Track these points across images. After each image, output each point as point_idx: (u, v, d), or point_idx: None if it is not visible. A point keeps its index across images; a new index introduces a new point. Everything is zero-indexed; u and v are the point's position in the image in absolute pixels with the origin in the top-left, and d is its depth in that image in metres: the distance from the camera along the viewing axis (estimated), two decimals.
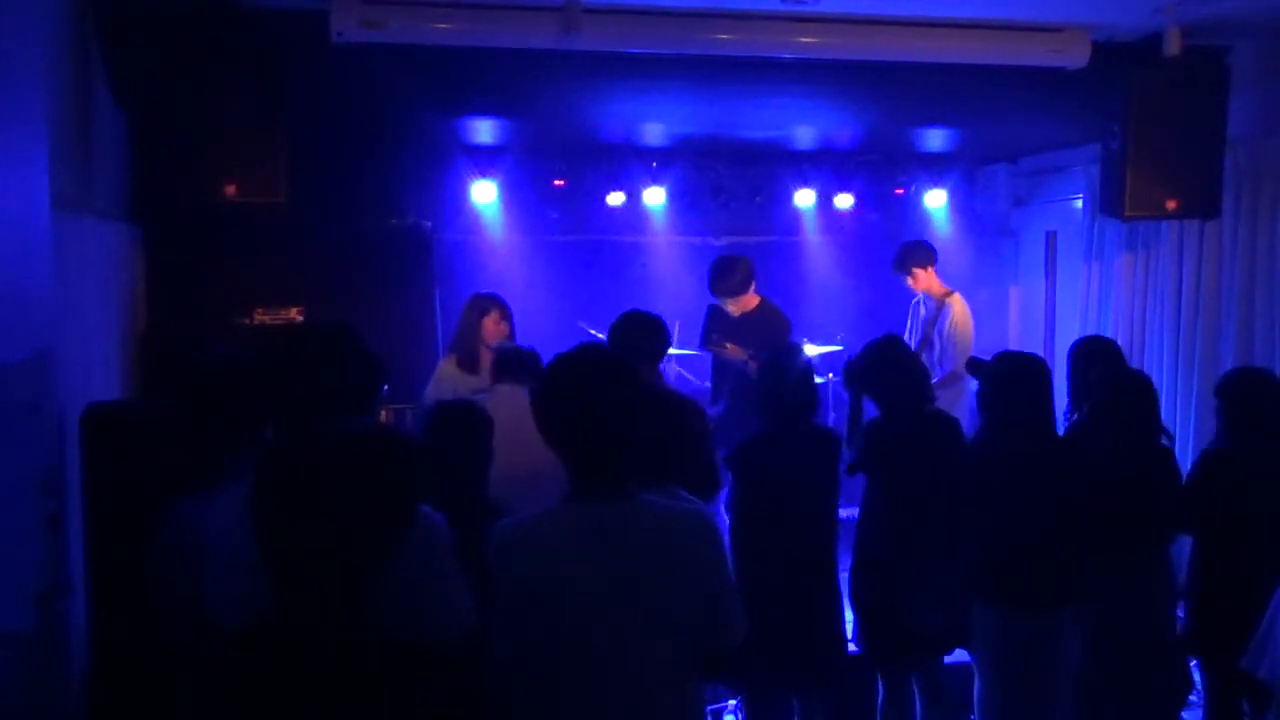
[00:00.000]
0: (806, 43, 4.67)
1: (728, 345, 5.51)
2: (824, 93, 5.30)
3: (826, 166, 6.95)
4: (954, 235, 7.18)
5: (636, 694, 2.17)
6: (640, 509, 2.21)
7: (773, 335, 5.31)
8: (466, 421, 3.09)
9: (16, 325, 2.77)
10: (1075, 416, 4.12)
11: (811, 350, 6.05)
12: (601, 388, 2.20)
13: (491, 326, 4.99)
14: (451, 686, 2.10)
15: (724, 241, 7.21)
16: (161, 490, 2.47)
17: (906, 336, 5.91)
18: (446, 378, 4.94)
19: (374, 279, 5.58)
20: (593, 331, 6.02)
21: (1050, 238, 7.23)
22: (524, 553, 2.19)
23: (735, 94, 5.25)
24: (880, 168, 7.06)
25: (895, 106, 5.54)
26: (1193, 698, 4.12)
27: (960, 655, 3.87)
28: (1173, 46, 4.65)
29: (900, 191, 7.17)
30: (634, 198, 6.80)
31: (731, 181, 7.01)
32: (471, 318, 5.04)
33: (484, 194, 6.49)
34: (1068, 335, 6.25)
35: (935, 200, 7.15)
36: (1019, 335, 7.49)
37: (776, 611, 3.51)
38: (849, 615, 3.88)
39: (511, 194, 6.64)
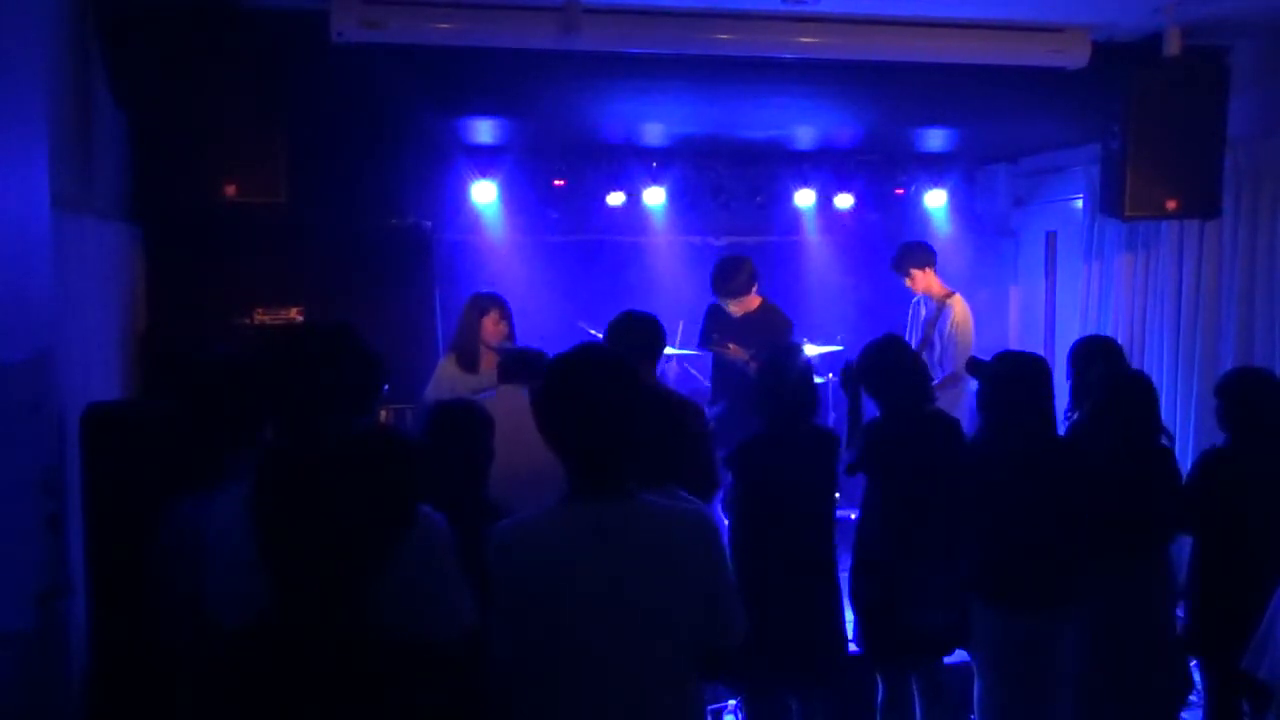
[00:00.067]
0: (806, 43, 4.67)
1: (730, 345, 5.51)
2: (824, 93, 5.30)
3: (826, 166, 6.94)
4: (954, 235, 7.18)
5: (636, 694, 2.17)
6: (640, 509, 2.21)
7: (774, 336, 5.31)
8: (466, 421, 3.09)
9: (16, 325, 2.77)
10: (1076, 416, 4.12)
11: (811, 350, 6.05)
12: (601, 388, 2.20)
13: (491, 326, 5.00)
14: (451, 686, 2.09)
15: (724, 241, 7.22)
16: (161, 490, 2.47)
17: (906, 336, 5.90)
18: (447, 377, 4.94)
19: (374, 279, 5.58)
20: (593, 331, 6.01)
21: (1050, 238, 7.23)
22: (524, 553, 2.19)
23: (735, 94, 5.25)
24: (880, 168, 7.05)
25: (895, 106, 5.54)
26: (1193, 698, 4.12)
27: (960, 655, 3.87)
28: (1173, 46, 4.65)
29: (900, 191, 7.17)
30: (634, 198, 6.80)
31: (731, 181, 7.00)
32: (471, 317, 5.04)
33: (484, 194, 6.49)
34: (1068, 335, 6.25)
35: (935, 200, 7.14)
36: (1019, 335, 7.49)
37: (776, 611, 3.51)
38: (849, 615, 3.88)
39: (511, 194, 6.64)
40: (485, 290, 5.28)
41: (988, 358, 3.89)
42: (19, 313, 2.78)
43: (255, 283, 5.33)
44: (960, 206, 7.27)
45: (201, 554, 2.19)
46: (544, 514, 2.23)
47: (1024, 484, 3.58)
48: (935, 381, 4.99)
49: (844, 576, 3.88)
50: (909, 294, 6.13)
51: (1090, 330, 6.00)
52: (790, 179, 6.98)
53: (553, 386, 2.25)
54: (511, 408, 3.38)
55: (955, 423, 3.93)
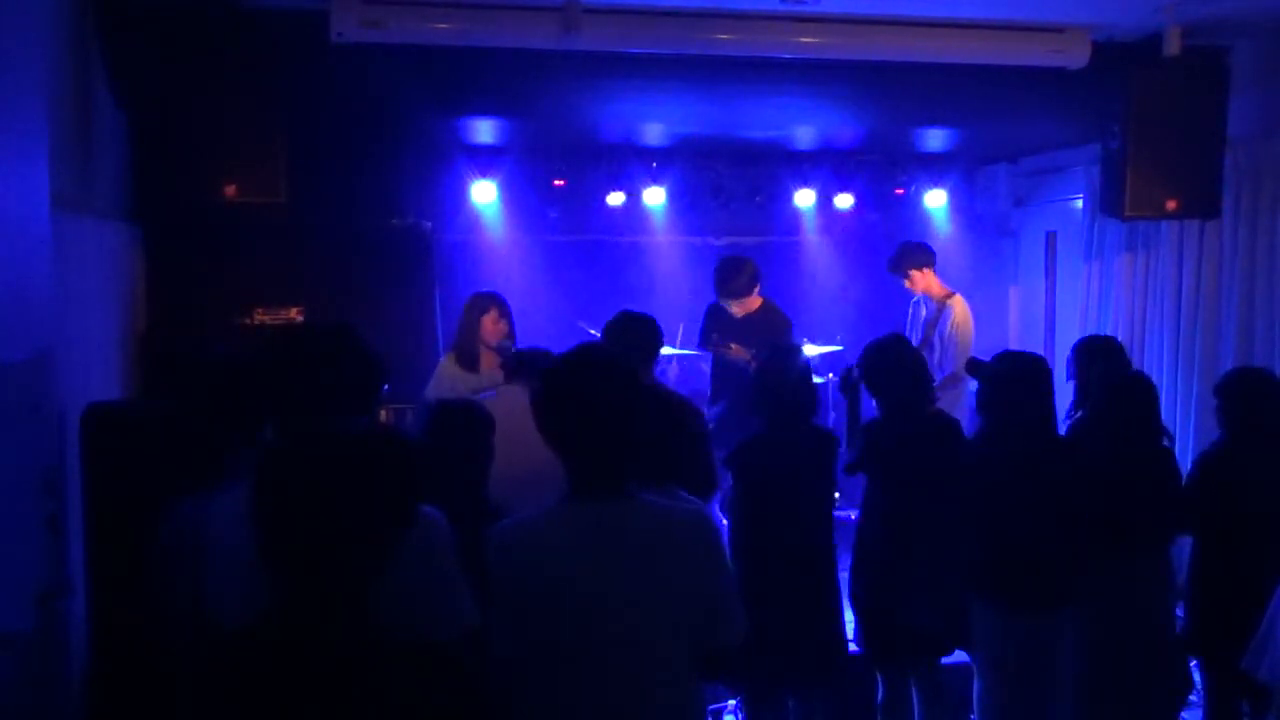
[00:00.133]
0: (806, 43, 4.67)
1: (732, 346, 5.51)
2: (824, 93, 5.30)
3: (826, 166, 6.94)
4: (954, 235, 7.18)
5: (637, 694, 2.17)
6: (640, 509, 2.21)
7: (775, 336, 5.32)
8: (466, 421, 3.09)
9: (16, 325, 2.77)
10: (1079, 415, 4.11)
11: (811, 350, 6.05)
12: (601, 388, 2.20)
13: (490, 325, 4.99)
14: (452, 686, 2.09)
15: (724, 241, 7.22)
16: (161, 490, 2.47)
17: (906, 336, 5.90)
18: (447, 376, 4.94)
19: (374, 279, 5.58)
20: (592, 331, 6.01)
21: (1050, 238, 7.23)
22: (524, 553, 2.19)
23: (735, 94, 5.25)
24: (880, 168, 7.05)
25: (895, 106, 5.54)
26: (1193, 698, 4.12)
27: (960, 655, 3.87)
28: (1173, 46, 4.65)
29: (900, 191, 7.16)
30: (634, 198, 6.80)
31: (731, 181, 7.00)
32: (471, 316, 5.05)
33: (484, 194, 6.49)
34: (1068, 335, 6.25)
35: (935, 200, 7.14)
36: (1019, 335, 7.49)
37: (776, 612, 3.51)
38: (849, 615, 3.88)
39: (511, 194, 6.64)
40: (485, 289, 5.28)
41: (988, 358, 3.89)
42: (19, 313, 2.78)
43: (255, 283, 5.33)
44: (960, 206, 7.27)
45: (201, 554, 2.19)
46: (544, 514, 2.23)
47: (1024, 484, 3.58)
48: (935, 382, 4.98)
49: (844, 576, 3.88)
50: (909, 294, 6.13)
51: (1090, 330, 6.00)
52: (790, 179, 6.98)
53: (552, 387, 2.25)
54: (513, 407, 3.37)
55: (955, 423, 3.94)
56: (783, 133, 6.40)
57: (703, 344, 5.89)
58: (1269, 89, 5.14)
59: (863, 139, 6.66)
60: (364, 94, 4.96)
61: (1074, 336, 5.16)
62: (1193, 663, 3.99)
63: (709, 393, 5.89)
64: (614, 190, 6.74)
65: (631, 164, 6.70)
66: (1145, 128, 4.94)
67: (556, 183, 6.67)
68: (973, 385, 3.99)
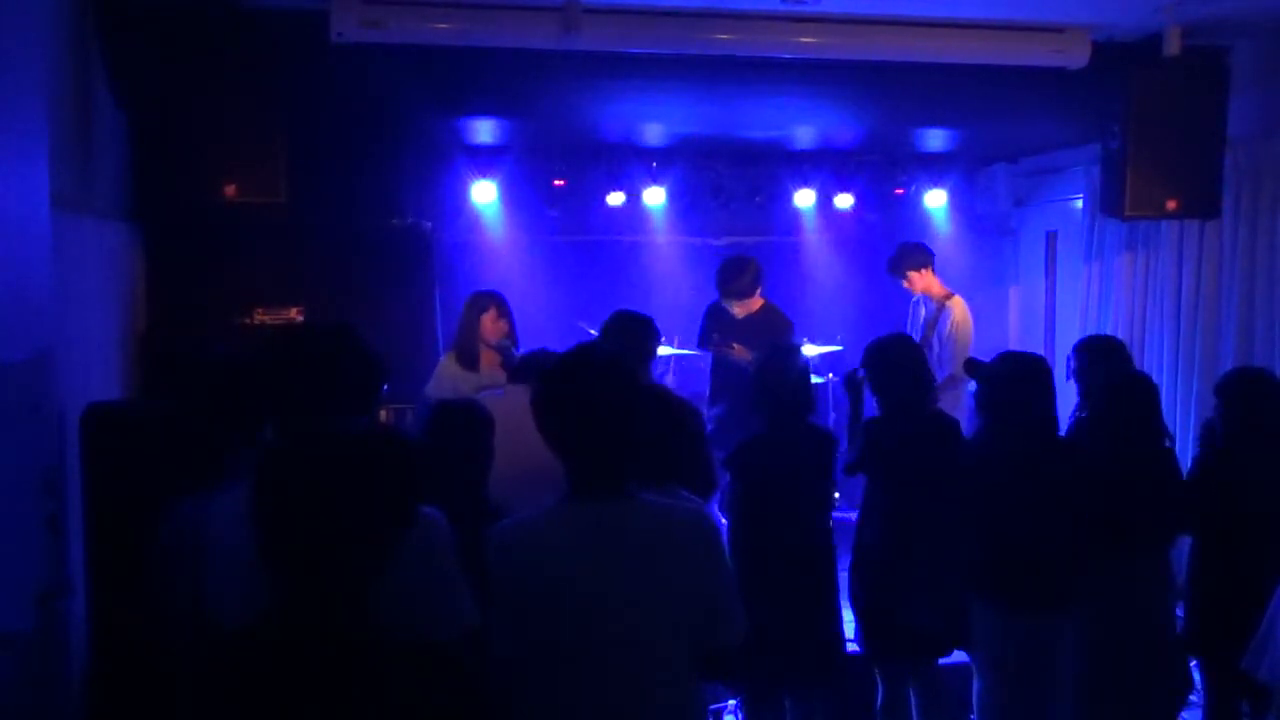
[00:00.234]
0: (806, 43, 4.67)
1: (735, 346, 5.51)
2: (824, 93, 5.30)
3: (826, 166, 6.94)
4: (954, 235, 7.17)
5: (637, 694, 2.17)
6: (640, 509, 2.21)
7: (775, 337, 5.31)
8: (467, 421, 3.09)
9: (16, 325, 2.77)
10: (1082, 415, 4.11)
11: (811, 350, 6.05)
12: (600, 388, 2.20)
13: (490, 324, 5.00)
14: (452, 686, 2.09)
15: (724, 241, 7.22)
16: (161, 490, 2.47)
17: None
18: (448, 376, 4.95)
19: (374, 279, 5.58)
20: (592, 331, 6.01)
21: (1050, 238, 7.23)
22: (524, 553, 2.19)
23: (735, 94, 5.25)
24: (880, 168, 7.05)
25: (895, 106, 5.54)
26: (1193, 698, 4.12)
27: (959, 656, 3.87)
28: (1173, 46, 4.65)
29: (900, 191, 7.16)
30: (634, 198, 6.80)
31: (731, 181, 7.00)
32: (470, 316, 5.05)
33: (484, 194, 6.49)
34: (1068, 335, 6.25)
35: (935, 200, 7.14)
36: (1019, 335, 7.49)
37: (775, 612, 3.51)
38: (848, 615, 3.88)
39: (511, 194, 6.64)
40: (484, 289, 5.28)
41: (988, 358, 3.89)
42: (19, 313, 2.78)
43: (255, 283, 5.33)
44: (960, 206, 7.27)
45: (201, 554, 2.19)
46: (544, 514, 2.23)
47: (1024, 484, 3.58)
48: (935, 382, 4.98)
49: (844, 576, 3.88)
50: (909, 293, 6.13)
51: (1090, 330, 6.00)
52: (790, 179, 6.98)
53: (551, 387, 2.25)
54: (516, 407, 3.37)
55: (955, 423, 3.94)
56: (783, 133, 6.41)
57: (703, 344, 5.89)
58: (1269, 89, 5.14)
59: (863, 139, 6.66)
60: (364, 94, 4.96)
61: (1074, 336, 5.16)
62: (1193, 663, 3.99)
63: (708, 393, 5.88)
64: (614, 190, 6.74)
65: (631, 164, 6.70)
66: (1145, 128, 4.94)
67: (556, 183, 6.67)
68: (972, 385, 3.99)
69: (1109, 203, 5.18)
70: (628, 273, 7.13)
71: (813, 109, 5.66)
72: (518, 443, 3.00)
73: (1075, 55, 4.83)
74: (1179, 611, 4.02)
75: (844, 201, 7.04)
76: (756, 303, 5.70)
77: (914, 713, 3.86)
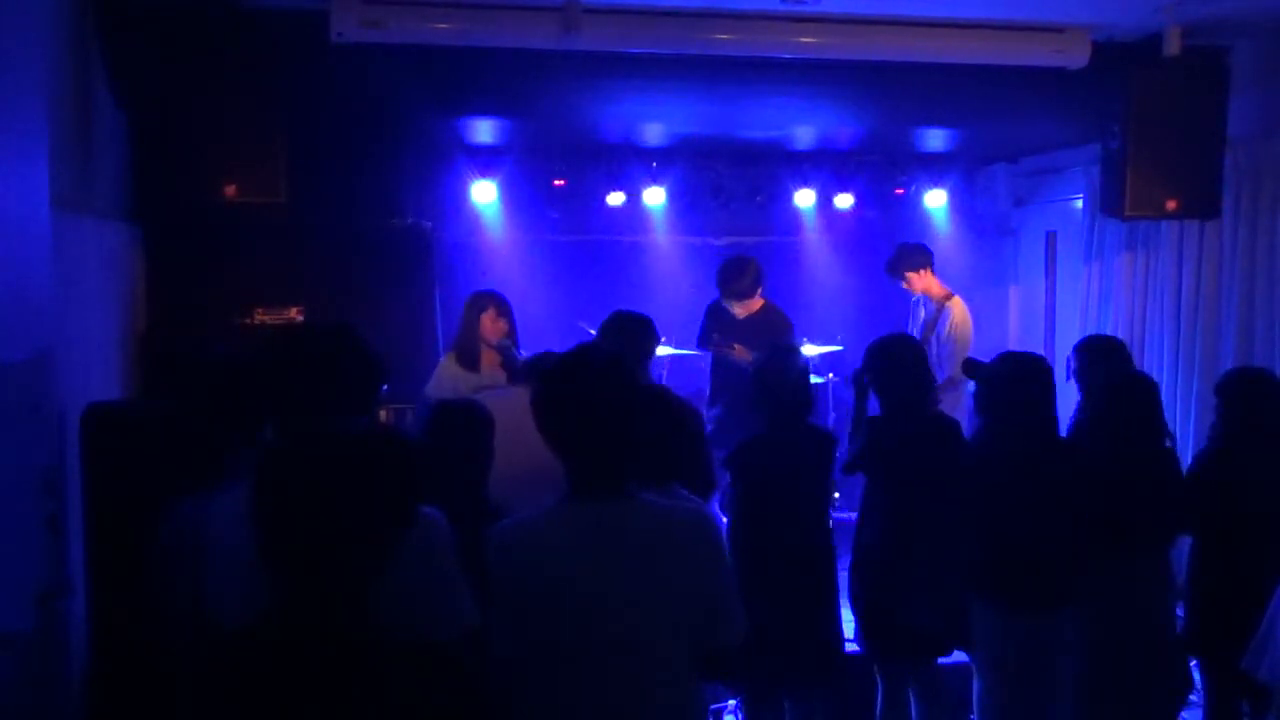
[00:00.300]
0: (806, 43, 4.67)
1: (735, 347, 5.51)
2: (824, 93, 5.30)
3: (826, 166, 6.94)
4: (954, 235, 7.17)
5: (637, 694, 2.17)
6: (640, 509, 2.21)
7: (776, 337, 5.31)
8: (467, 421, 3.09)
9: (16, 325, 2.77)
10: (1082, 415, 4.11)
11: (811, 350, 6.05)
12: (600, 388, 2.20)
13: (489, 324, 5.00)
14: (452, 686, 2.09)
15: (724, 241, 7.21)
16: (161, 490, 2.47)
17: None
18: (448, 376, 4.95)
19: (374, 279, 5.58)
20: (592, 331, 6.01)
21: (1050, 238, 7.22)
22: (524, 553, 2.19)
23: (735, 94, 5.25)
24: (880, 168, 7.04)
25: (895, 106, 5.54)
26: (1193, 698, 4.12)
27: (959, 655, 3.87)
28: (1173, 46, 4.65)
29: (900, 191, 7.16)
30: (634, 198, 6.80)
31: (731, 181, 7.00)
32: (469, 315, 5.05)
33: (484, 194, 6.49)
34: (1068, 335, 6.25)
35: (935, 200, 7.14)
36: (1019, 335, 7.48)
37: (775, 611, 3.51)
38: (848, 615, 3.89)
39: (511, 194, 6.64)
40: (484, 288, 5.28)
41: (988, 358, 3.89)
42: (19, 313, 2.79)
43: (255, 283, 5.33)
44: (960, 206, 7.27)
45: (201, 554, 2.19)
46: (544, 514, 2.23)
47: (1024, 484, 3.58)
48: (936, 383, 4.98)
49: (844, 576, 3.88)
50: (909, 293, 6.13)
51: (1090, 330, 5.99)
52: (790, 179, 6.98)
53: (551, 387, 2.25)
54: (514, 407, 3.37)
55: (955, 424, 3.94)
56: (783, 133, 6.41)
57: (703, 344, 5.88)
58: (1269, 89, 5.14)
59: (863, 139, 6.66)
60: (364, 94, 4.96)
61: (1074, 336, 5.16)
62: (1193, 663, 3.99)
63: (708, 393, 5.88)
64: (614, 190, 6.73)
65: (631, 164, 6.70)
66: (1145, 128, 4.93)
67: (556, 183, 6.67)
68: (972, 386, 3.99)
69: (1109, 203, 5.18)
70: (628, 273, 7.12)
71: (813, 109, 5.66)
72: (518, 443, 3.00)
73: (1075, 55, 4.83)
74: (1179, 611, 4.02)
75: (844, 201, 7.04)
76: (757, 303, 5.70)
77: (914, 713, 3.86)
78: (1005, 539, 3.59)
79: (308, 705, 1.70)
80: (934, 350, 5.84)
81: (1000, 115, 5.74)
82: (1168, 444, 3.89)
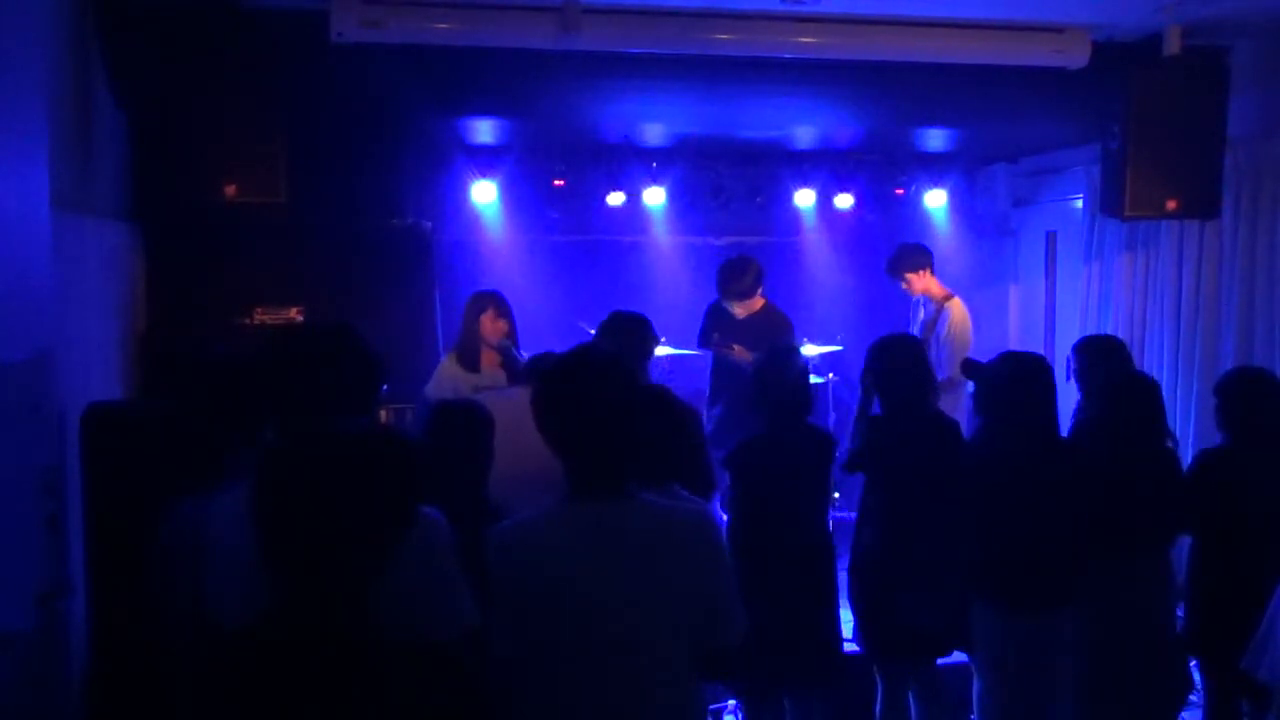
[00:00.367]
0: (806, 43, 4.67)
1: (735, 347, 5.51)
2: (824, 93, 5.30)
3: (826, 166, 6.94)
4: (954, 235, 7.17)
5: (637, 694, 2.17)
6: (640, 509, 2.21)
7: (776, 337, 5.31)
8: (467, 421, 3.09)
9: (16, 325, 2.77)
10: (1083, 415, 4.11)
11: (811, 350, 6.05)
12: (600, 388, 2.20)
13: (489, 324, 5.00)
14: (452, 686, 2.09)
15: (724, 241, 7.21)
16: (161, 490, 2.47)
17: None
18: (448, 375, 4.95)
19: (374, 279, 5.57)
20: (592, 332, 6.01)
21: (1050, 238, 7.22)
22: (524, 553, 2.19)
23: (735, 94, 5.25)
24: (880, 168, 7.04)
25: (895, 106, 5.54)
26: (1193, 698, 4.12)
27: (959, 656, 3.87)
28: (1173, 46, 4.65)
29: (900, 191, 7.16)
30: (634, 198, 6.79)
31: (731, 181, 7.00)
32: (470, 316, 5.06)
33: (484, 194, 6.49)
34: (1068, 335, 6.25)
35: (935, 200, 7.14)
36: (1019, 335, 7.48)
37: (774, 611, 3.51)
38: (847, 615, 3.89)
39: (511, 194, 6.64)
40: (484, 289, 5.29)
41: (988, 358, 3.88)
42: (19, 313, 2.79)
43: (255, 283, 5.33)
44: (960, 206, 7.27)
45: (201, 554, 2.19)
46: (544, 514, 2.23)
47: (1024, 484, 3.57)
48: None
49: (843, 576, 3.88)
50: (909, 293, 6.13)
51: (1090, 330, 5.99)
52: (790, 179, 6.97)
53: (551, 388, 2.25)
54: (515, 407, 3.37)
55: (955, 424, 3.94)
56: (783, 133, 6.40)
57: (703, 343, 5.88)
58: (1269, 89, 5.14)
59: (863, 139, 6.66)
60: (364, 94, 4.96)
61: (1074, 336, 5.15)
62: (1193, 663, 3.99)
63: (707, 393, 5.88)
64: (614, 190, 6.73)
65: (631, 164, 6.70)
66: (1145, 128, 4.93)
67: (556, 183, 6.66)
68: (971, 386, 3.99)
69: (1109, 203, 5.18)
70: (628, 273, 7.12)
71: (813, 109, 5.66)
72: (518, 443, 3.00)
73: (1075, 55, 4.83)
74: (1179, 611, 4.02)
75: (844, 201, 7.04)
76: (757, 303, 5.70)
77: (914, 713, 3.86)
78: (1005, 539, 3.59)
79: (308, 705, 1.70)
80: (933, 351, 5.83)
81: (1000, 115, 5.74)
82: (1169, 445, 3.89)
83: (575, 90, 5.16)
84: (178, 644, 2.27)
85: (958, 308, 5.85)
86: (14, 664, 2.77)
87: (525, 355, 4.74)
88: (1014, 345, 6.86)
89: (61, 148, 3.55)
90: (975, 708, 3.76)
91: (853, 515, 4.03)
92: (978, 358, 4.14)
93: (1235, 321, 5.22)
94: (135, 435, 3.24)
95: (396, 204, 5.99)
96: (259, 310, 5.27)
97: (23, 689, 2.85)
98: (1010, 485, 3.58)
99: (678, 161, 6.80)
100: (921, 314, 6.06)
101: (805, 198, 7.02)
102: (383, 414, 4.72)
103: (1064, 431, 3.93)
